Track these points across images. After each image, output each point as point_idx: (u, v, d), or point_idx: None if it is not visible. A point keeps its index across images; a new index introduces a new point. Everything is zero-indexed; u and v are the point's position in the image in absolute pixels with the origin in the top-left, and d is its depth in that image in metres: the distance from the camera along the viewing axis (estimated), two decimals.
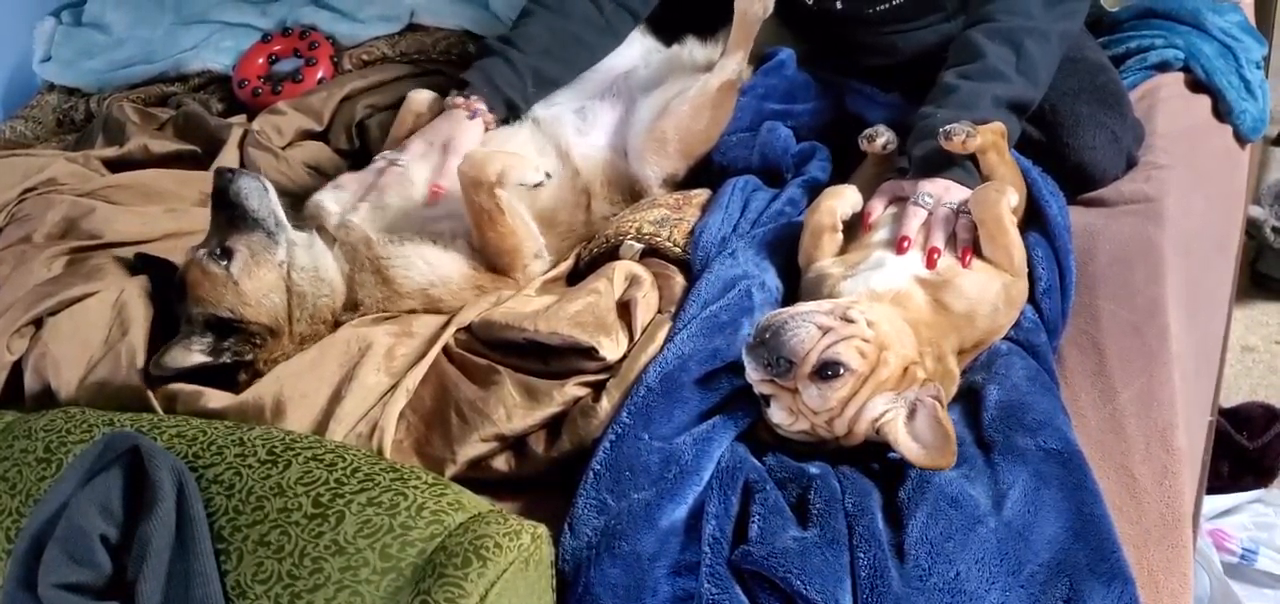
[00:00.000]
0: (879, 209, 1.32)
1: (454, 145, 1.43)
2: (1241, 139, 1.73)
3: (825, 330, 1.07)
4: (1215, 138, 1.70)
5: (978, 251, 1.24)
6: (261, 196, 1.31)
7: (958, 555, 0.98)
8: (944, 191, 1.28)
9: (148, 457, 1.01)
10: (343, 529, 0.95)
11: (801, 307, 1.11)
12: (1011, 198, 1.23)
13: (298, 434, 1.09)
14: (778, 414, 1.10)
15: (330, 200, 1.42)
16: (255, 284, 1.27)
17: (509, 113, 1.54)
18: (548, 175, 1.40)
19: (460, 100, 1.50)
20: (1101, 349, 1.25)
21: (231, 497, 1.00)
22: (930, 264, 1.22)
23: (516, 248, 1.35)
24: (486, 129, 1.49)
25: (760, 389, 1.10)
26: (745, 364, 1.10)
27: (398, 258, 1.33)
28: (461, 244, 1.37)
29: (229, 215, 1.30)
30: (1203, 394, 1.39)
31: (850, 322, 1.08)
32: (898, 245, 1.24)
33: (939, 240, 1.24)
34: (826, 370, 1.06)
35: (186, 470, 1.02)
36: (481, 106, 1.49)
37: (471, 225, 1.35)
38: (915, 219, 1.27)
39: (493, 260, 1.36)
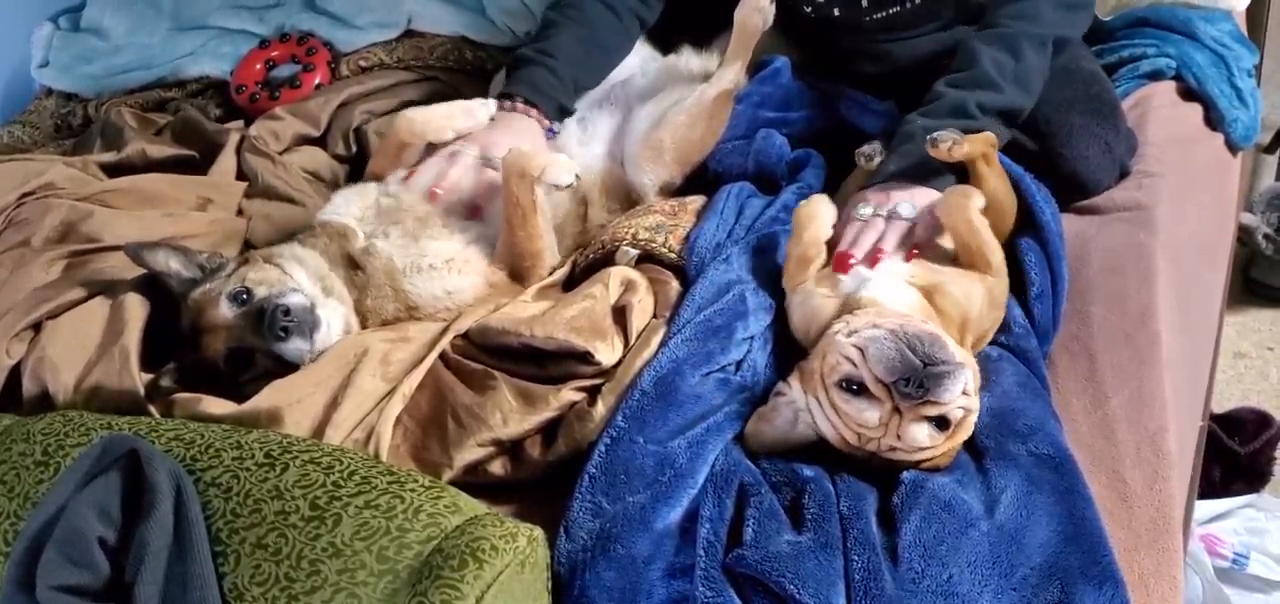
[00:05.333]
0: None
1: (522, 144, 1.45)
2: (1233, 147, 1.73)
3: (967, 394, 1.06)
4: (1207, 146, 1.69)
5: (957, 261, 1.23)
6: (302, 356, 1.25)
7: (950, 559, 0.98)
8: (884, 200, 1.28)
9: (145, 460, 1.00)
10: (340, 532, 0.95)
11: (958, 354, 1.07)
12: (978, 200, 1.22)
13: (295, 437, 1.09)
14: (860, 410, 1.06)
15: (356, 223, 1.40)
16: (253, 389, 1.24)
17: (560, 117, 1.55)
18: (577, 178, 1.40)
19: (521, 106, 1.51)
20: (1093, 355, 1.24)
21: (229, 499, 1.00)
22: (842, 268, 1.21)
23: (540, 252, 1.36)
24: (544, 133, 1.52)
25: (864, 380, 1.05)
26: (872, 351, 1.05)
27: (424, 292, 1.34)
28: (483, 249, 1.38)
29: (262, 343, 1.24)
30: (1194, 400, 1.39)
31: (977, 397, 1.08)
32: (835, 263, 1.23)
33: (861, 248, 1.23)
34: (943, 423, 1.05)
35: (184, 474, 1.02)
36: (535, 112, 1.51)
37: (503, 221, 1.35)
38: (850, 233, 1.26)
39: (515, 262, 1.36)
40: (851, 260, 1.22)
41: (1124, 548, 1.04)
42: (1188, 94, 1.71)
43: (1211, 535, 1.75)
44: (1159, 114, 1.64)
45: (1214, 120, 1.71)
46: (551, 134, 1.54)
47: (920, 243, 1.26)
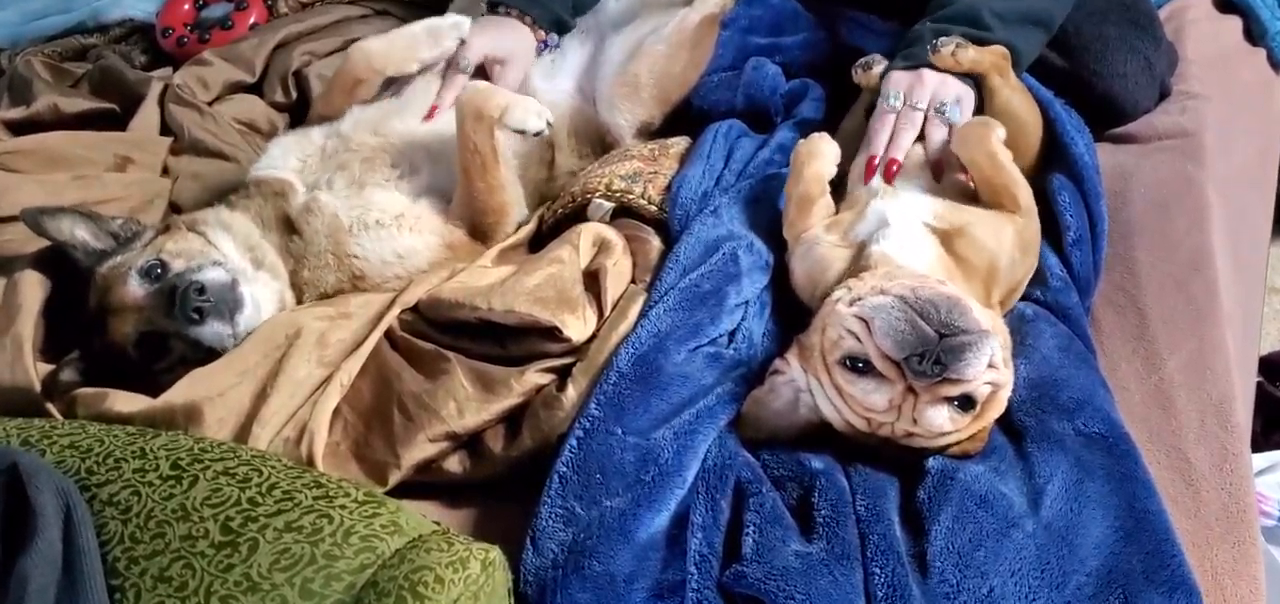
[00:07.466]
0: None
1: (512, 58, 1.40)
2: (1275, 63, 1.65)
3: (994, 367, 0.93)
4: (1248, 64, 1.62)
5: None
6: (223, 340, 1.14)
7: (990, 567, 0.88)
8: (913, 83, 1.19)
9: (28, 478, 0.88)
10: (256, 561, 0.83)
11: (983, 319, 0.95)
12: (1001, 131, 1.13)
13: (209, 442, 0.97)
14: (867, 391, 0.94)
15: (295, 176, 1.30)
16: (171, 380, 1.11)
17: (559, 32, 1.48)
18: (549, 125, 1.28)
19: (515, 12, 1.43)
20: (1142, 309, 1.15)
21: (128, 521, 0.88)
22: (887, 177, 1.14)
23: (503, 206, 1.28)
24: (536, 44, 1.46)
25: (870, 357, 0.93)
26: (877, 322, 0.93)
27: (371, 255, 1.23)
28: (436, 204, 1.28)
29: (173, 328, 1.13)
30: (1249, 352, 1.28)
31: (1009, 367, 0.97)
32: (866, 169, 1.16)
33: (900, 149, 1.15)
34: (967, 403, 0.93)
35: (76, 492, 0.90)
36: (528, 22, 1.44)
37: (459, 170, 1.27)
38: (883, 131, 1.18)
39: (476, 218, 1.27)
40: (893, 168, 1.14)
41: (1193, 543, 0.93)
42: (1225, 5, 1.65)
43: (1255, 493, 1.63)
44: (1196, 28, 1.58)
45: (1255, 34, 1.66)
46: (545, 48, 1.46)
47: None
